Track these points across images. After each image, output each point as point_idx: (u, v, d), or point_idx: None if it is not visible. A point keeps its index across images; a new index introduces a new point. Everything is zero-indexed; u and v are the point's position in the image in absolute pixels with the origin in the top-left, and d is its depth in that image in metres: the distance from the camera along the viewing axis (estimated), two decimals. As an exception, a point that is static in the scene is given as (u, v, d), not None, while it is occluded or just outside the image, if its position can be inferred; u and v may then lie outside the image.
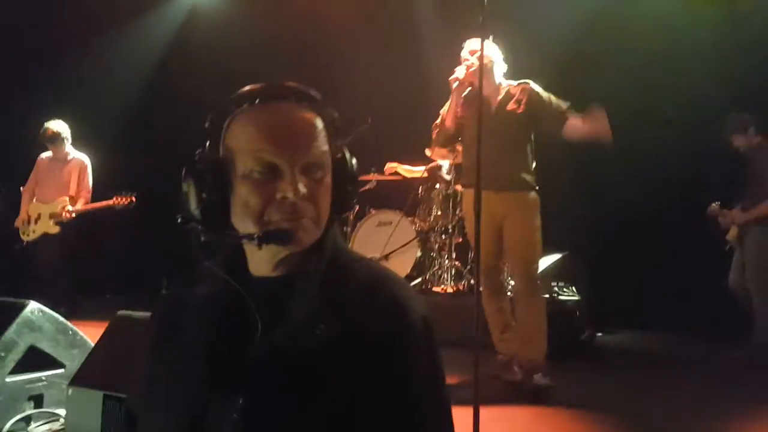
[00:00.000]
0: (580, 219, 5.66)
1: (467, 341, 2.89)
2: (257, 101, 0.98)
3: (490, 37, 3.37)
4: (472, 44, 3.46)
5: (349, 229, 5.59)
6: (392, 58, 4.61)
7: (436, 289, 5.29)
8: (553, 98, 3.46)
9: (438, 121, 3.66)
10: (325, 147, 0.98)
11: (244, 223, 0.96)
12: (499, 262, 3.64)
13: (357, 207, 5.64)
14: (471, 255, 4.34)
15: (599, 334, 5.20)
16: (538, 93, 3.47)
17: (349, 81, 6.02)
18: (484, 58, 3.18)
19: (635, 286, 5.52)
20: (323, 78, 5.98)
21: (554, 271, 5.37)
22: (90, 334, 2.85)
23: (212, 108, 1.03)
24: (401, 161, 5.60)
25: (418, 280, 5.35)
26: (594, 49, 5.72)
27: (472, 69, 3.39)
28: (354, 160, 1.05)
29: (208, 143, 1.01)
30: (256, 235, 0.93)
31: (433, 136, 3.71)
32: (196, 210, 0.97)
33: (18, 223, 5.47)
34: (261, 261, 0.99)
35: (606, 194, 5.70)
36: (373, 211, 5.62)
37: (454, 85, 3.49)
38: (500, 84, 3.55)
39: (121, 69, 7.05)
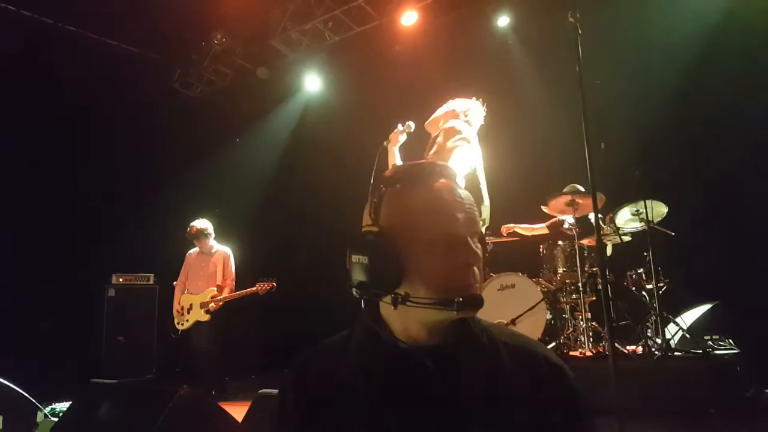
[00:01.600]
0: (729, 264, 5.17)
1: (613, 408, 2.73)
2: (419, 178, 1.07)
3: (477, 99, 3.85)
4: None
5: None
6: (498, 121, 4.64)
7: (573, 353, 4.88)
8: (454, 153, 3.54)
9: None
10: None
11: (425, 289, 1.00)
12: None
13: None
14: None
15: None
16: (451, 133, 3.65)
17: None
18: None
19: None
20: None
21: (706, 323, 4.92)
22: (237, 413, 3.03)
23: (372, 187, 1.12)
24: (517, 221, 5.46)
25: (552, 344, 4.99)
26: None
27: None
28: None
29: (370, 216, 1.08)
30: (456, 301, 0.98)
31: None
32: (377, 279, 1.02)
33: (174, 314, 5.91)
34: (418, 327, 1.03)
35: (755, 233, 5.19)
36: (492, 275, 5.29)
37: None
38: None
39: (251, 165, 7.78)
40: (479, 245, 1.04)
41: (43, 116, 6.19)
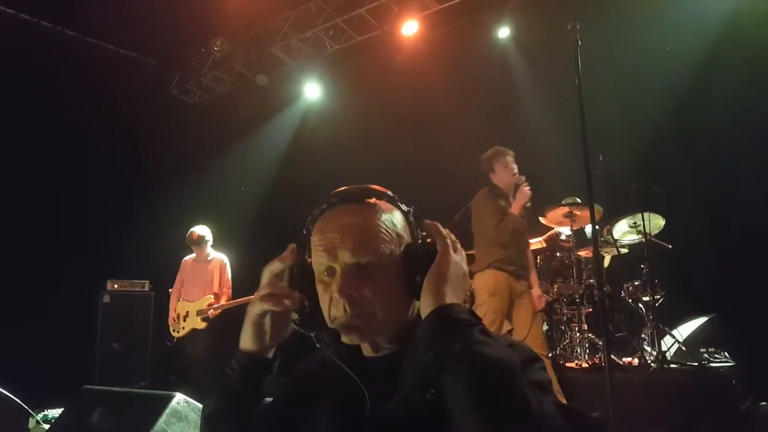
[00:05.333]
0: (725, 277, 5.17)
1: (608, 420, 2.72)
2: (330, 207, 1.07)
3: None
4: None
5: (467, 306, 5.34)
6: (497, 131, 4.69)
7: (569, 364, 4.89)
8: None
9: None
10: (385, 245, 1.01)
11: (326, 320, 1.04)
12: None
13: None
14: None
15: (763, 403, 4.58)
16: None
17: (456, 160, 6.13)
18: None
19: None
20: (429, 163, 6.17)
21: (702, 336, 4.91)
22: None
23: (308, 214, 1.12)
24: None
25: (549, 355, 4.97)
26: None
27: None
28: (427, 246, 1.04)
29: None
30: (314, 335, 1.04)
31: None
32: (302, 317, 1.05)
33: (169, 321, 5.88)
34: (365, 345, 1.07)
35: (751, 246, 5.19)
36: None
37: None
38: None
39: (248, 172, 7.79)
40: (366, 275, 0.99)
41: (38, 120, 6.18)
